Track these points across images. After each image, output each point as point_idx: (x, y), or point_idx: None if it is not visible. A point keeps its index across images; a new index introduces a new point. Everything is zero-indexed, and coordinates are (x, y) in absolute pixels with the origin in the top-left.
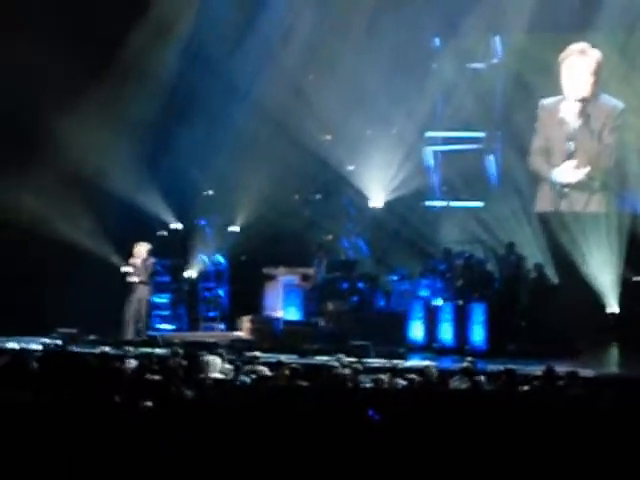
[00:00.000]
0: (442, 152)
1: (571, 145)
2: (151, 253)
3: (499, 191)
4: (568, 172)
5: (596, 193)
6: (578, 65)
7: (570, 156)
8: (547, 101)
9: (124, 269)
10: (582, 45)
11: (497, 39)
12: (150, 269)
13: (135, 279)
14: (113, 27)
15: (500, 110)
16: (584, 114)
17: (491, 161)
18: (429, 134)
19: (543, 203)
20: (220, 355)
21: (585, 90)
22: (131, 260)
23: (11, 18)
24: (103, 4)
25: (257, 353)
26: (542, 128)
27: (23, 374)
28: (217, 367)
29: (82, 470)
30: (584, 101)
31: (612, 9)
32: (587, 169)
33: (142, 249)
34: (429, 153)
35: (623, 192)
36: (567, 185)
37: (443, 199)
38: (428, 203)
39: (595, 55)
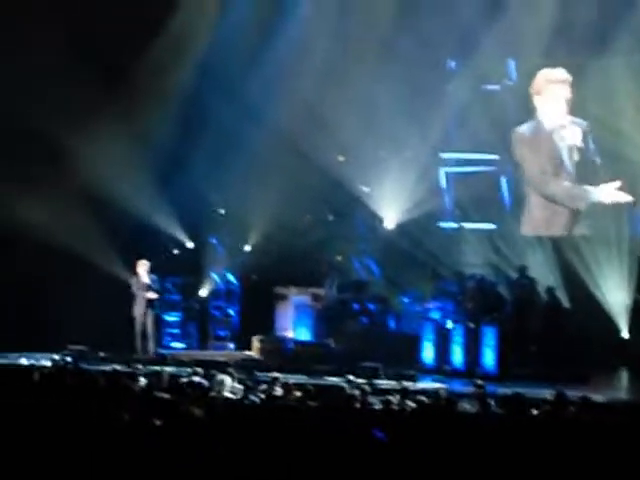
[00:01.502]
0: (455, 174)
1: (569, 165)
2: (151, 271)
3: (512, 214)
4: (609, 193)
5: (607, 216)
6: (560, 92)
7: (571, 177)
8: (523, 129)
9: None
10: (561, 71)
11: (512, 62)
12: (149, 287)
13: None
14: (129, 44)
15: None
16: (569, 138)
17: (504, 184)
18: (443, 156)
19: (554, 227)
20: (230, 374)
21: (562, 115)
22: (133, 279)
23: (28, 30)
24: (120, 21)
25: (268, 373)
26: (529, 154)
27: (29, 391)
28: (227, 386)
29: None
30: (563, 126)
31: (628, 33)
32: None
33: (141, 268)
34: (442, 175)
35: (633, 214)
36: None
37: (456, 221)
38: (441, 225)
39: (569, 80)
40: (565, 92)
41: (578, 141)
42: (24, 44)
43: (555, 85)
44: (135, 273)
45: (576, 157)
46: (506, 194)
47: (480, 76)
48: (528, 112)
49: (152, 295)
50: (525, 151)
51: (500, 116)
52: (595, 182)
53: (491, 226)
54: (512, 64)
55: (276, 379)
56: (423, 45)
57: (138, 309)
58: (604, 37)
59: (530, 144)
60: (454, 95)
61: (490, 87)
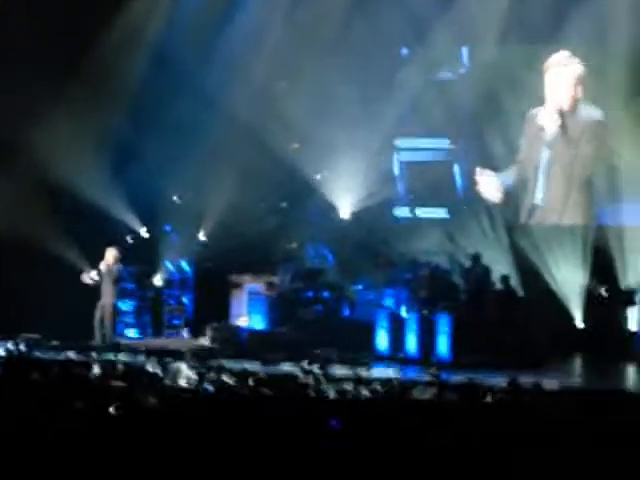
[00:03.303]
0: (409, 161)
1: (547, 154)
2: (118, 259)
3: (465, 201)
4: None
5: (569, 207)
6: (559, 75)
7: (545, 165)
8: (531, 112)
9: (89, 275)
10: (564, 55)
11: (465, 50)
12: (115, 275)
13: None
14: (81, 32)
15: (467, 121)
16: (562, 124)
17: (457, 171)
18: (396, 143)
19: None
20: (184, 363)
21: (564, 100)
22: (102, 266)
23: None
24: (71, 9)
25: (221, 361)
26: (525, 139)
27: None
28: (181, 375)
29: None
30: (563, 111)
31: (581, 21)
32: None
33: (109, 255)
34: (396, 162)
35: (595, 206)
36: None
37: (409, 208)
38: (395, 212)
39: (576, 66)
40: (563, 76)
41: (554, 127)
42: None
43: (552, 69)
44: (103, 260)
45: (557, 143)
46: (459, 181)
47: (433, 63)
48: (481, 99)
49: (113, 284)
50: (523, 135)
51: (453, 104)
52: (570, 179)
53: (445, 213)
54: (465, 52)
55: (230, 367)
56: (376, 33)
57: (104, 297)
58: (557, 24)
59: (528, 126)
60: (407, 82)
61: (443, 75)
